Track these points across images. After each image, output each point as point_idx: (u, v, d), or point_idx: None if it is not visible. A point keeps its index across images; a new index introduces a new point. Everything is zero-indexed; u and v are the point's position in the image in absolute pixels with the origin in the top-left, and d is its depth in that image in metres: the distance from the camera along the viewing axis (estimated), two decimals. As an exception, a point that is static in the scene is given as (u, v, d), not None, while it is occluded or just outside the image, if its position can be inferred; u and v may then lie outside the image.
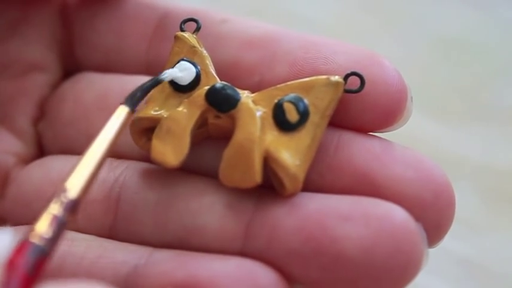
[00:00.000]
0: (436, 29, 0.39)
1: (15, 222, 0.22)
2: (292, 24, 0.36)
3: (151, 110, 0.21)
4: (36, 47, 0.24)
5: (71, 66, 0.25)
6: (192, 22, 0.22)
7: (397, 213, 0.19)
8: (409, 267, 0.18)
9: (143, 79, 0.22)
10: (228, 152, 0.19)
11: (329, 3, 0.39)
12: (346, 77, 0.20)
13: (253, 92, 0.21)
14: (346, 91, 0.20)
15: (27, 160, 0.23)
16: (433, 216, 0.19)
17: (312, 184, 0.20)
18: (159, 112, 0.20)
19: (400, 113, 0.20)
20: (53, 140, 0.24)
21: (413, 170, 0.19)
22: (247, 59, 0.22)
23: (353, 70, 0.20)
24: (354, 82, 0.20)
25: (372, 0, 0.40)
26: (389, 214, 0.19)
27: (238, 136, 0.19)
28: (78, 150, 0.22)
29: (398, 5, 0.40)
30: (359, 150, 0.20)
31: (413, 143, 0.22)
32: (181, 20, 0.22)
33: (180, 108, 0.20)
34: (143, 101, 0.21)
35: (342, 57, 0.20)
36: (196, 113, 0.20)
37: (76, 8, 0.24)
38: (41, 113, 0.24)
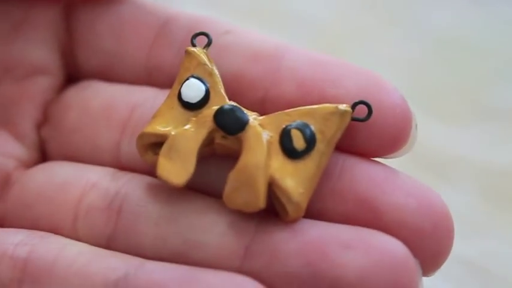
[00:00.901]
0: (436, 28, 0.39)
1: (14, 225, 0.22)
2: (291, 23, 0.36)
3: (158, 125, 0.21)
4: (39, 49, 0.24)
5: (72, 70, 0.24)
6: (203, 36, 0.22)
7: (397, 248, 0.19)
8: None
9: (148, 90, 0.23)
10: (233, 176, 0.20)
11: (329, 3, 0.39)
12: (354, 106, 0.20)
13: (257, 109, 0.21)
14: (354, 119, 0.20)
15: (28, 164, 0.23)
16: (431, 246, 0.20)
17: (313, 208, 0.20)
18: (166, 128, 0.20)
19: (404, 140, 0.20)
20: (57, 147, 0.24)
21: (415, 199, 0.20)
22: (251, 73, 0.22)
23: (361, 98, 0.20)
24: (361, 109, 0.20)
25: (373, 0, 0.40)
26: (389, 247, 0.19)
27: (245, 160, 0.20)
28: (82, 158, 0.23)
29: (399, 5, 0.40)
30: (362, 176, 0.20)
31: (413, 142, 0.22)
32: (184, 28, 0.23)
33: (187, 127, 0.20)
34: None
35: (349, 82, 0.21)
36: (204, 133, 0.20)
37: (78, 10, 0.24)
38: (45, 118, 0.24)
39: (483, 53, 0.38)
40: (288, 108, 0.21)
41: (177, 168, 0.20)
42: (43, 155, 0.24)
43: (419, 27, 0.39)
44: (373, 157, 0.21)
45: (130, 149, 0.22)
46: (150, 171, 0.21)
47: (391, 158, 0.21)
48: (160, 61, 0.23)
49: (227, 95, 0.21)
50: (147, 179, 0.21)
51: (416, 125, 0.21)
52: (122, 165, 0.22)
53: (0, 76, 0.24)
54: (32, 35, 0.24)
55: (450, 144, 0.31)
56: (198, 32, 0.22)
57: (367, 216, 0.20)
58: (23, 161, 0.23)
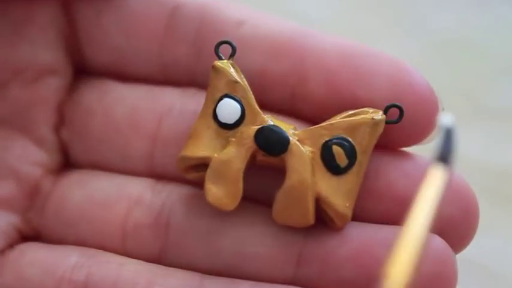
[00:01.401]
0: (437, 28, 0.39)
1: (55, 240, 0.22)
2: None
3: (197, 148, 0.21)
4: (45, 50, 0.23)
5: (80, 67, 0.24)
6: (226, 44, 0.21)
7: (440, 245, 0.20)
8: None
9: (170, 93, 0.23)
10: (282, 195, 0.20)
11: (330, 3, 0.39)
12: (386, 109, 0.21)
13: (287, 106, 0.21)
14: (387, 122, 0.21)
15: (53, 170, 0.23)
16: (461, 232, 0.21)
17: (355, 209, 0.21)
18: (206, 151, 0.21)
19: (433, 127, 0.21)
20: (83, 154, 0.23)
21: (449, 191, 0.20)
22: (275, 69, 0.22)
23: (392, 96, 0.21)
24: (394, 110, 0.21)
25: (374, 0, 0.40)
26: (433, 246, 0.20)
27: (292, 180, 0.20)
28: (112, 167, 0.23)
29: (400, 5, 0.40)
30: (397, 174, 0.21)
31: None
32: (193, 17, 0.22)
33: (229, 150, 0.20)
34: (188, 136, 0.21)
35: (378, 78, 0.21)
36: (247, 155, 0.20)
37: (79, 5, 0.24)
38: (61, 119, 0.24)
39: (483, 53, 0.38)
40: (320, 109, 0.21)
41: (225, 193, 0.20)
42: (65, 158, 0.24)
43: (420, 27, 0.39)
44: (404, 147, 0.21)
45: (165, 160, 0.22)
46: (188, 180, 0.22)
47: (421, 144, 0.21)
48: (175, 55, 0.23)
49: (252, 92, 0.21)
50: (188, 189, 0.22)
51: (443, 109, 0.21)
52: (157, 175, 0.22)
53: (9, 80, 0.23)
54: (36, 36, 0.23)
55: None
56: (221, 41, 0.21)
57: (406, 213, 0.20)
58: (48, 167, 0.23)
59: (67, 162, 0.24)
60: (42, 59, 0.23)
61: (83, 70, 0.24)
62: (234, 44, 0.21)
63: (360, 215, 0.21)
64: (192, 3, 0.23)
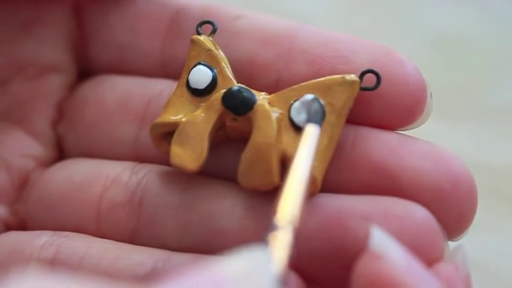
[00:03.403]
0: (433, 27, 0.39)
1: (37, 226, 0.22)
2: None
3: (169, 115, 0.21)
4: (50, 47, 0.24)
5: (85, 66, 0.24)
6: (208, 24, 0.22)
7: (417, 212, 0.19)
8: (431, 263, 0.19)
9: (163, 83, 0.23)
10: (246, 155, 0.20)
11: (326, 2, 0.39)
12: (361, 75, 0.20)
13: (271, 92, 0.21)
14: (362, 89, 0.20)
15: (47, 163, 0.23)
16: (454, 208, 0.19)
17: (330, 180, 0.20)
18: (177, 117, 0.21)
19: (420, 110, 0.20)
20: (75, 143, 0.23)
21: (431, 161, 0.19)
22: (263, 56, 0.22)
23: (369, 68, 0.20)
24: (371, 80, 0.20)
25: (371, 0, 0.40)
26: (409, 213, 0.19)
27: (256, 139, 0.20)
28: (100, 154, 0.23)
29: (395, 4, 0.40)
30: (376, 144, 0.20)
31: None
32: (195, 18, 0.22)
33: (197, 113, 0.20)
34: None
35: (361, 56, 0.20)
36: (214, 117, 0.20)
37: (88, 5, 0.24)
38: (60, 115, 0.24)
39: (481, 52, 0.38)
40: None
41: (189, 154, 0.20)
42: (60, 152, 0.24)
43: (417, 26, 0.39)
44: (390, 129, 0.20)
45: (148, 141, 0.22)
46: (168, 161, 0.21)
47: (409, 129, 0.20)
48: (174, 53, 0.23)
49: (240, 79, 0.21)
50: (166, 168, 0.21)
51: (431, 94, 0.20)
52: (140, 158, 0.22)
53: (13, 75, 0.24)
54: (43, 34, 0.24)
55: (447, 142, 0.31)
56: (203, 20, 0.22)
57: (384, 182, 0.19)
58: (41, 160, 0.23)
59: (62, 156, 0.24)
60: (46, 56, 0.24)
61: (87, 70, 0.24)
62: (216, 24, 0.22)
63: (334, 187, 0.20)
64: (195, 5, 0.23)
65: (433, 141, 0.20)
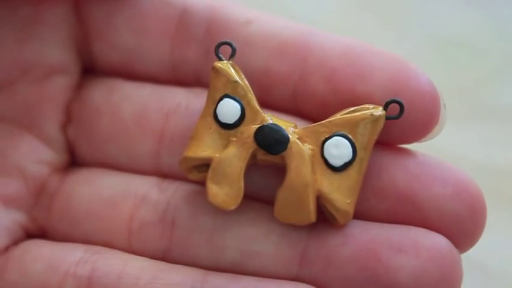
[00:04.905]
0: (435, 28, 0.39)
1: (61, 238, 0.23)
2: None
3: (199, 149, 0.21)
4: (54, 48, 0.24)
5: (88, 66, 0.24)
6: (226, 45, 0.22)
7: (443, 244, 0.20)
8: None
9: (179, 93, 0.23)
10: (282, 194, 0.20)
11: (328, 3, 0.39)
12: (386, 105, 0.21)
13: (288, 104, 0.21)
14: (387, 118, 0.21)
15: (60, 168, 0.23)
16: (468, 229, 0.21)
17: (358, 207, 0.21)
18: (207, 151, 0.21)
19: (435, 123, 0.21)
20: (91, 153, 0.23)
21: (451, 187, 0.20)
22: (278, 67, 0.22)
23: (391, 91, 0.21)
24: (394, 105, 0.21)
25: (372, 0, 0.40)
26: (436, 245, 0.20)
27: (291, 179, 0.20)
28: (119, 166, 0.23)
29: (398, 5, 0.40)
30: (400, 172, 0.21)
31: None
32: (203, 20, 0.22)
33: (230, 149, 0.21)
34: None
35: (378, 75, 0.21)
36: (247, 154, 0.21)
37: (90, 4, 0.24)
38: (68, 118, 0.24)
39: (481, 52, 0.38)
40: (320, 106, 0.21)
41: (227, 192, 0.21)
42: (71, 157, 0.24)
43: (419, 26, 0.39)
44: (406, 143, 0.21)
45: (171, 159, 0.22)
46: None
47: (424, 141, 0.21)
48: (184, 55, 0.23)
49: (255, 90, 0.21)
50: (193, 187, 0.22)
51: (444, 105, 0.21)
52: (163, 174, 0.22)
53: (17, 78, 0.23)
54: (45, 34, 0.24)
55: (448, 143, 0.31)
56: (221, 41, 0.22)
57: (409, 210, 0.20)
58: (55, 165, 0.23)
59: (73, 161, 0.24)
60: (50, 57, 0.24)
61: (91, 69, 0.24)
62: (234, 45, 0.21)
63: (362, 214, 0.21)
64: (201, 4, 0.23)
65: (436, 143, 0.21)
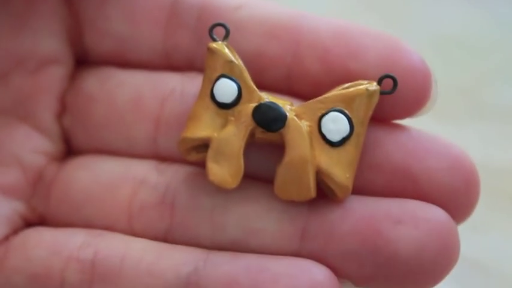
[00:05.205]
0: (436, 27, 0.39)
1: (61, 224, 0.23)
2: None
3: (198, 129, 0.21)
4: (48, 39, 0.24)
5: (81, 55, 0.24)
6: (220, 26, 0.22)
7: (441, 216, 0.20)
8: (452, 260, 0.20)
9: (172, 78, 0.23)
10: (282, 171, 0.21)
11: (329, 2, 0.39)
12: (380, 80, 0.21)
13: (282, 86, 0.21)
14: (381, 93, 0.21)
15: (57, 158, 0.24)
16: (464, 202, 0.21)
17: (355, 182, 0.21)
18: (206, 131, 0.21)
19: (427, 98, 0.21)
20: (87, 141, 0.24)
21: (446, 160, 0.21)
22: (271, 50, 0.22)
23: (383, 67, 0.21)
24: (387, 81, 0.21)
25: (370, -1, 0.40)
26: (435, 217, 0.20)
27: (291, 155, 0.20)
28: (116, 151, 0.23)
29: (399, 4, 0.40)
30: (395, 146, 0.21)
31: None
32: (194, 6, 0.22)
33: (228, 129, 0.21)
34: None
35: (370, 53, 0.21)
36: (246, 133, 0.21)
37: None
38: (63, 107, 0.24)
39: (482, 51, 0.38)
40: (315, 85, 0.21)
41: (227, 171, 0.21)
42: (67, 146, 0.24)
43: (419, 26, 0.39)
44: (399, 119, 0.21)
45: (168, 143, 0.22)
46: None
47: (416, 116, 0.21)
48: (177, 42, 0.23)
49: (249, 73, 0.21)
50: (192, 169, 0.22)
51: (436, 81, 0.21)
52: (161, 158, 0.23)
53: (12, 69, 0.24)
54: (38, 25, 0.24)
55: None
56: (215, 23, 0.22)
57: (405, 184, 0.21)
58: (51, 154, 0.23)
59: (70, 150, 0.24)
60: (44, 48, 0.24)
61: (85, 59, 0.24)
62: (228, 26, 0.22)
63: (359, 189, 0.21)
64: None
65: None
